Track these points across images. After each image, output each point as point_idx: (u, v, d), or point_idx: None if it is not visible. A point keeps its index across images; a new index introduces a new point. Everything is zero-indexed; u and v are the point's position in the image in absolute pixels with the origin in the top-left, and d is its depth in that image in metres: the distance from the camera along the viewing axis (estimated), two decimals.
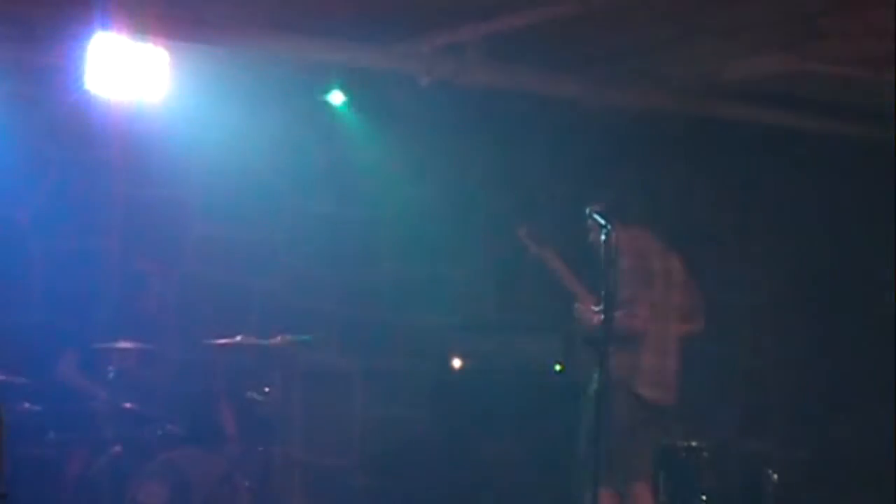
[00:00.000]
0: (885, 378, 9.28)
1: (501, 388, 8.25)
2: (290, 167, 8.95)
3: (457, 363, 9.38)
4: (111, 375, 7.69)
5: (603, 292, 6.89)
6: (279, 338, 7.77)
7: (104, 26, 7.52)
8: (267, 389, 7.81)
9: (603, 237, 6.93)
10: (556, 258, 7.61)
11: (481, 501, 8.77)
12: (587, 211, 7.15)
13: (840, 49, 8.22)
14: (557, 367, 7.61)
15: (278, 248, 9.05)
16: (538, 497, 7.72)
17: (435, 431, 9.21)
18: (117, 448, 7.59)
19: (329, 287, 9.08)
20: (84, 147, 8.16)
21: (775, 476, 8.15)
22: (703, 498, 8.10)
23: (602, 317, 6.92)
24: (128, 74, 7.69)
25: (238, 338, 7.75)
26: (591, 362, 7.11)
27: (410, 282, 9.16)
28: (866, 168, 9.46)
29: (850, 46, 8.16)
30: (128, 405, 7.63)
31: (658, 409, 7.29)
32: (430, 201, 9.03)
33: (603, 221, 6.97)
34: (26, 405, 7.56)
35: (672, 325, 7.34)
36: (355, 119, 8.99)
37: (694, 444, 8.20)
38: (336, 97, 8.92)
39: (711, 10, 7.73)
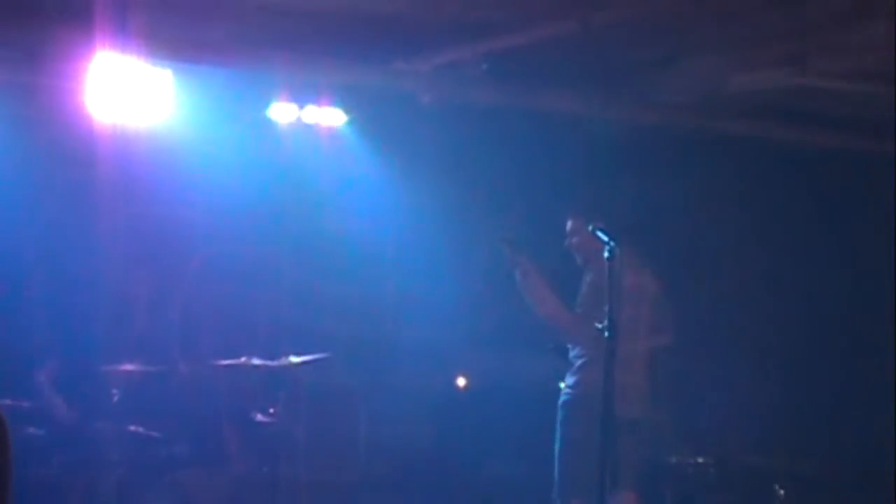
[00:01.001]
0: (889, 391, 9.27)
1: (506, 405, 8.24)
2: (293, 186, 8.96)
3: (461, 381, 9.39)
4: (116, 398, 7.68)
5: (607, 309, 6.90)
6: (290, 358, 7.74)
7: (105, 47, 7.52)
8: (272, 409, 7.79)
9: (606, 254, 6.93)
10: (530, 267, 7.68)
11: None
12: (590, 228, 7.15)
13: (841, 63, 8.23)
14: (562, 385, 7.65)
15: (282, 266, 9.05)
16: None
17: (440, 449, 9.21)
18: (122, 470, 7.58)
19: (333, 305, 9.07)
20: (86, 168, 8.16)
21: (782, 492, 8.14)
22: None
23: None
24: (130, 95, 7.68)
25: (242, 358, 7.74)
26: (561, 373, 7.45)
27: (414, 299, 9.16)
28: (868, 182, 9.46)
29: (851, 60, 8.16)
30: (132, 427, 7.62)
31: (627, 423, 7.25)
32: (432, 218, 9.03)
33: (606, 238, 6.97)
34: (31, 429, 7.56)
35: (640, 341, 7.30)
36: (357, 137, 8.99)
37: (700, 460, 8.20)
38: (338, 116, 8.93)
39: (710, 26, 7.74)
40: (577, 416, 7.50)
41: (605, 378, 6.84)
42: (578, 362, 7.61)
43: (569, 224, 7.81)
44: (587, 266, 7.67)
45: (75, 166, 8.23)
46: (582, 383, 7.52)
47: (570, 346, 7.70)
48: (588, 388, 7.42)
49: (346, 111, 8.92)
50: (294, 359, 7.68)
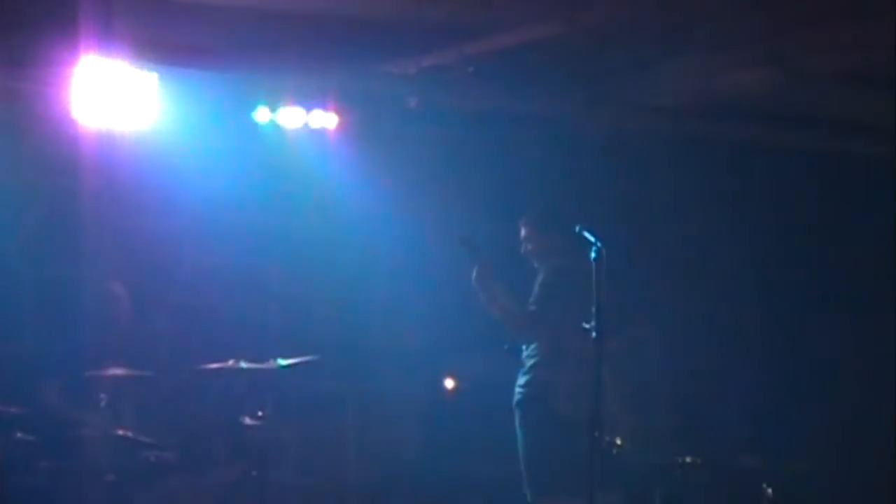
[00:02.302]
0: (882, 389, 9.29)
1: (495, 407, 8.22)
2: (279, 189, 8.95)
3: (450, 383, 9.39)
4: (103, 403, 7.65)
5: (594, 309, 6.91)
6: (278, 361, 7.73)
7: (90, 51, 7.50)
8: (260, 413, 7.78)
9: (594, 255, 6.94)
10: (488, 267, 7.74)
11: None
12: (576, 228, 7.16)
13: (825, 63, 8.25)
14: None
15: (270, 271, 9.04)
16: None
17: (428, 452, 9.20)
18: (111, 476, 7.56)
19: (321, 309, 9.07)
20: (72, 174, 8.15)
21: (770, 491, 8.14)
22: None
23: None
24: (116, 99, 7.66)
25: (230, 362, 7.72)
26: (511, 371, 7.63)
27: (403, 302, 9.16)
28: (856, 183, 9.48)
29: (836, 60, 8.18)
30: (121, 432, 7.60)
31: (575, 423, 7.24)
32: (420, 221, 9.03)
33: (593, 239, 6.99)
34: (19, 434, 7.54)
35: (592, 341, 7.26)
36: (344, 141, 8.99)
37: (689, 459, 8.20)
38: (325, 120, 8.92)
39: (697, 27, 7.75)
40: (532, 415, 7.59)
41: (595, 378, 6.85)
42: (530, 362, 7.71)
43: (522, 231, 7.91)
44: (539, 268, 7.75)
45: (61, 172, 8.22)
46: (534, 382, 7.66)
47: (523, 346, 7.77)
48: (540, 386, 7.61)
49: (333, 115, 8.92)
50: (282, 361, 7.67)
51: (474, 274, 7.82)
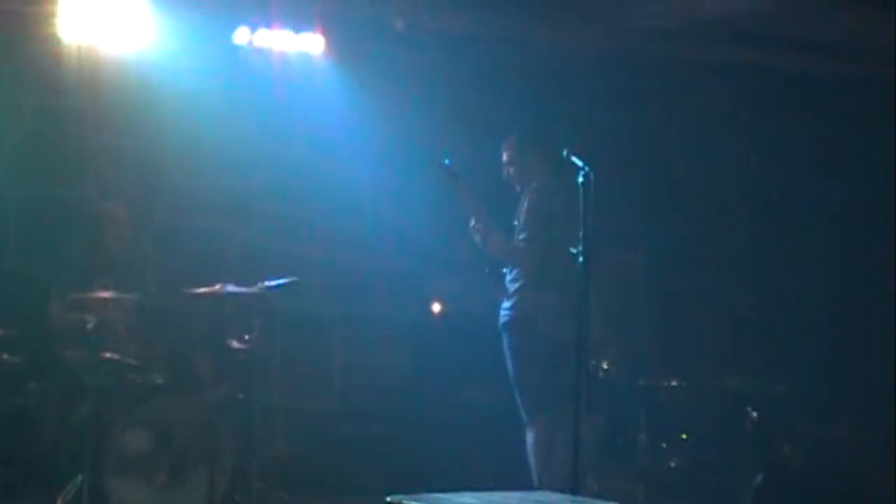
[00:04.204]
0: (867, 312, 9.35)
1: (481, 330, 8.25)
2: (266, 114, 8.91)
3: (436, 307, 9.40)
4: (90, 325, 7.64)
5: (581, 234, 6.89)
6: (260, 285, 7.73)
7: None
8: (247, 337, 7.79)
9: (581, 179, 6.92)
10: (466, 192, 7.78)
11: (463, 446, 8.79)
12: (563, 153, 7.13)
13: None
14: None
15: (256, 195, 9.03)
16: (521, 440, 7.74)
17: (415, 375, 9.24)
18: (97, 397, 7.56)
19: (307, 233, 9.06)
20: (58, 95, 8.10)
21: (755, 413, 8.20)
22: (684, 436, 8.16)
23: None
24: (104, 22, 7.60)
25: (217, 286, 7.72)
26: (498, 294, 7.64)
27: (389, 226, 9.15)
28: (850, 105, 9.46)
29: None
30: (107, 354, 7.60)
31: (563, 344, 7.26)
32: (407, 146, 9.00)
33: (580, 164, 6.97)
34: (5, 356, 7.55)
35: (575, 264, 7.23)
36: (331, 65, 8.94)
37: (674, 383, 8.25)
38: (314, 43, 8.86)
39: None
40: (520, 335, 7.62)
41: (580, 304, 6.84)
42: (515, 285, 7.71)
43: (504, 155, 7.89)
44: (522, 193, 7.75)
45: (46, 94, 8.18)
46: (519, 304, 7.66)
47: (505, 270, 7.78)
48: (526, 308, 7.62)
49: (321, 38, 8.86)
50: (267, 283, 7.67)
51: (472, 222, 7.78)
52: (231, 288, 7.70)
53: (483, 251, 7.85)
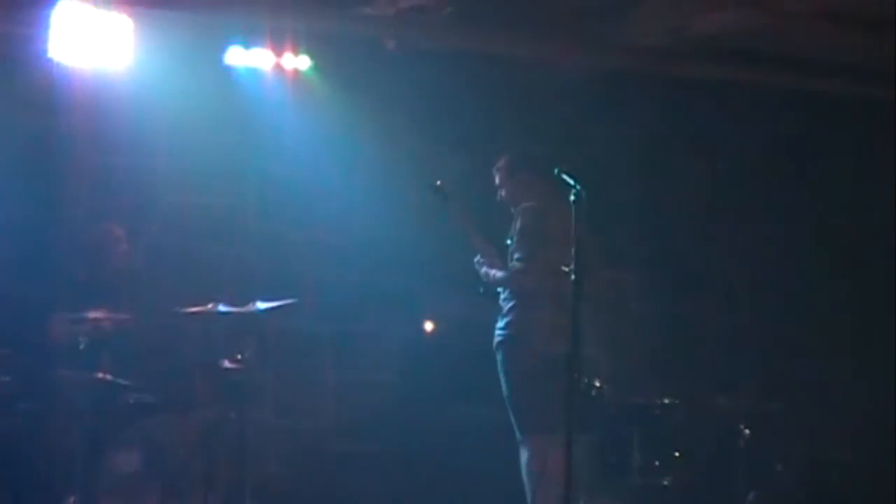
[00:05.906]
0: (857, 328, 9.36)
1: (473, 349, 8.25)
2: (257, 132, 8.93)
3: (429, 325, 9.41)
4: (82, 345, 7.62)
5: (573, 251, 6.90)
6: (258, 304, 7.72)
7: None
8: (239, 356, 7.78)
9: (572, 198, 6.92)
10: (461, 214, 7.82)
11: (455, 464, 8.78)
12: (555, 171, 7.14)
13: (804, 3, 8.24)
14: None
15: (248, 213, 9.03)
16: (513, 459, 7.74)
17: (408, 395, 9.23)
18: (90, 418, 7.54)
19: (300, 252, 9.07)
20: (49, 115, 8.10)
21: (747, 431, 8.21)
22: (677, 455, 8.15)
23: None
24: (92, 42, 7.61)
25: (209, 305, 7.71)
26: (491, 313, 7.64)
27: (382, 244, 9.15)
28: (836, 123, 9.49)
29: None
30: (100, 374, 7.59)
31: (556, 363, 7.25)
32: (399, 164, 9.02)
33: (572, 182, 6.97)
34: None
35: (569, 282, 7.23)
36: (322, 83, 8.96)
37: (667, 401, 8.25)
38: (303, 62, 8.89)
39: None
40: (515, 354, 7.62)
41: (575, 321, 6.85)
42: (508, 304, 7.70)
43: (496, 178, 7.91)
44: (515, 213, 7.75)
45: (37, 114, 8.17)
46: (514, 323, 7.63)
47: (499, 289, 7.78)
48: (520, 326, 7.60)
49: (311, 57, 8.88)
50: (261, 304, 7.66)
51: (476, 257, 7.82)
52: (223, 307, 7.69)
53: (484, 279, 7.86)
